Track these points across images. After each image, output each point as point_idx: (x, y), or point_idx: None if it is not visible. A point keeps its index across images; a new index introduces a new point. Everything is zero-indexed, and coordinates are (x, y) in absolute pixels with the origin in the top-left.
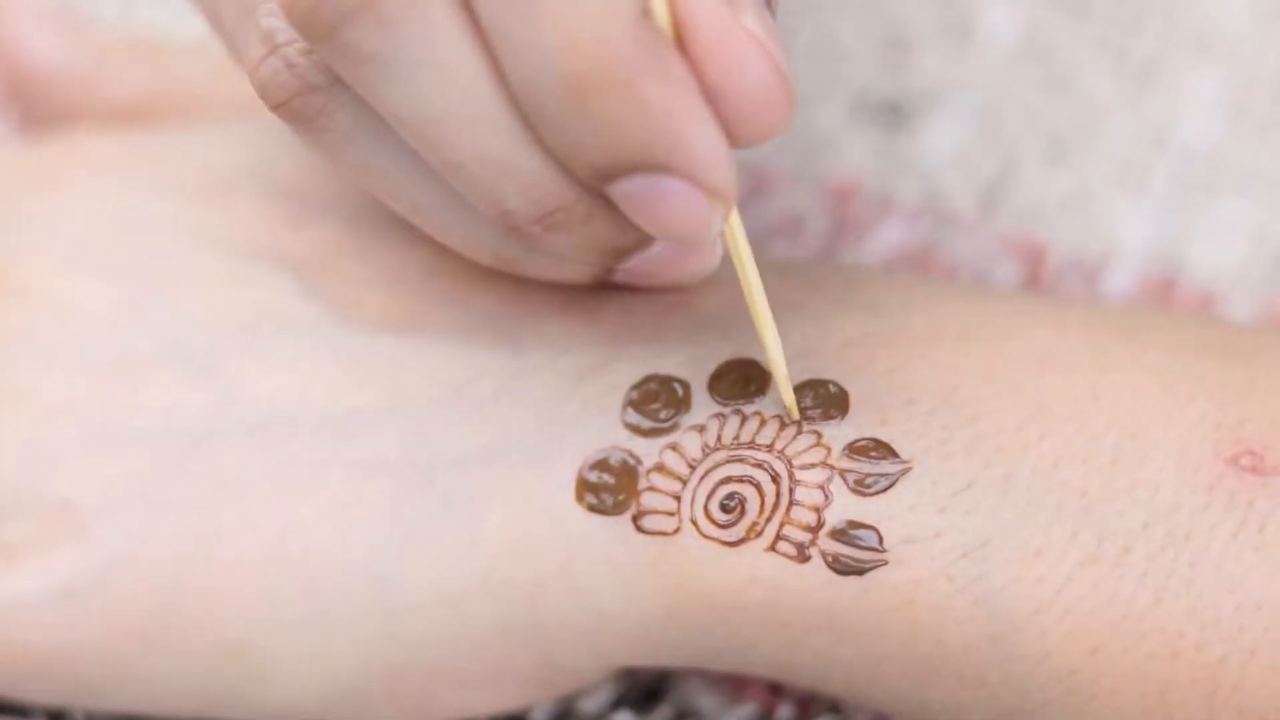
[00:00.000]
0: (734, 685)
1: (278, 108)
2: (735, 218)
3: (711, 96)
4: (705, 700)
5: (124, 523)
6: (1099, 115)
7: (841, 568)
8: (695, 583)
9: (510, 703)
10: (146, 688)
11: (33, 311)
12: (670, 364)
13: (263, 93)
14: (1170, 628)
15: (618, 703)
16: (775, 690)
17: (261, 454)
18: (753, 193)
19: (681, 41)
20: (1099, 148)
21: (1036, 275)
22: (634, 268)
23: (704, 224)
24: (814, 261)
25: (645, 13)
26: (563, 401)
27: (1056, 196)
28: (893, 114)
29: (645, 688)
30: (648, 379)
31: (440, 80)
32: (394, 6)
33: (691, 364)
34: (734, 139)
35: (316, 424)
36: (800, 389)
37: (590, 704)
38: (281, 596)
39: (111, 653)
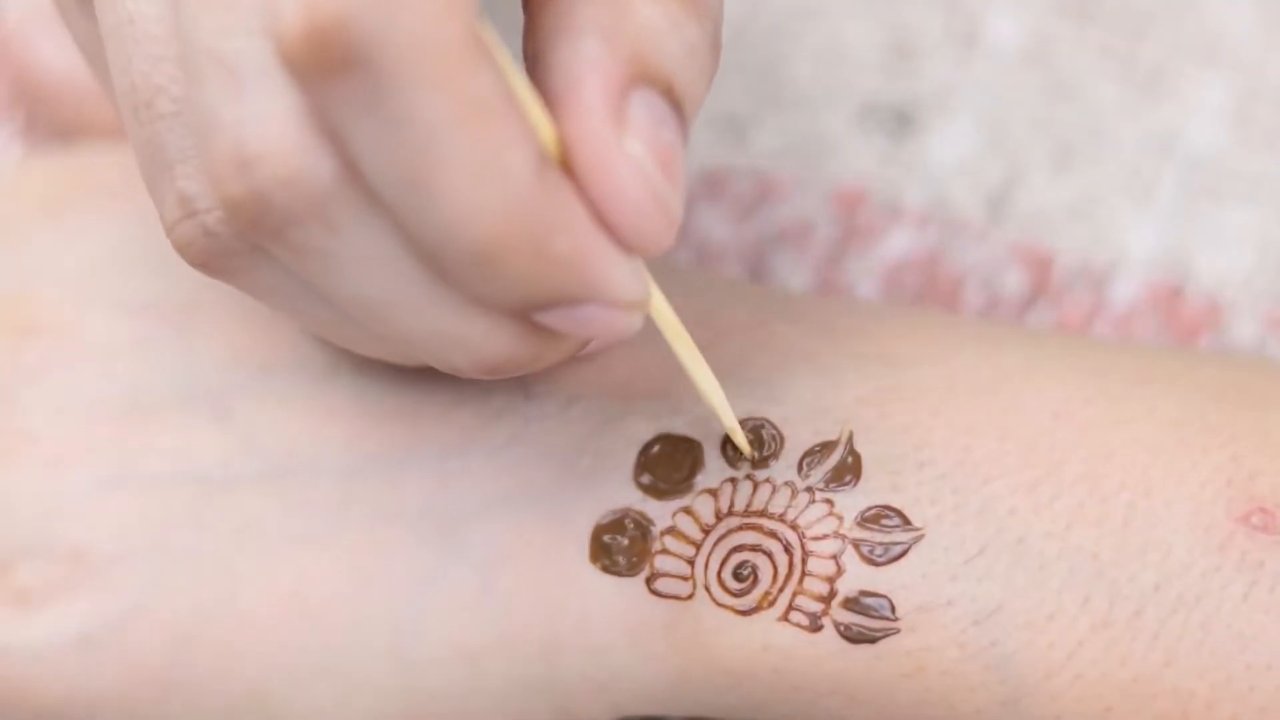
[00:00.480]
0: None
1: (197, 266)
2: (658, 297)
3: (598, 215)
4: None
5: (140, 571)
6: (1105, 123)
7: (854, 636)
8: (708, 648)
9: None
10: None
11: (44, 349)
12: (681, 423)
13: (180, 250)
14: (1182, 688)
15: None
16: None
17: (279, 502)
18: (760, 199)
19: (566, 165)
20: (1105, 155)
21: (1044, 283)
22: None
23: (625, 329)
24: (824, 302)
25: (542, 164)
26: (576, 455)
27: (1063, 204)
28: (899, 121)
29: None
30: (660, 438)
31: (379, 271)
32: (341, 212)
33: (702, 423)
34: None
35: (334, 471)
36: (813, 453)
37: None
38: (300, 647)
39: (128, 700)
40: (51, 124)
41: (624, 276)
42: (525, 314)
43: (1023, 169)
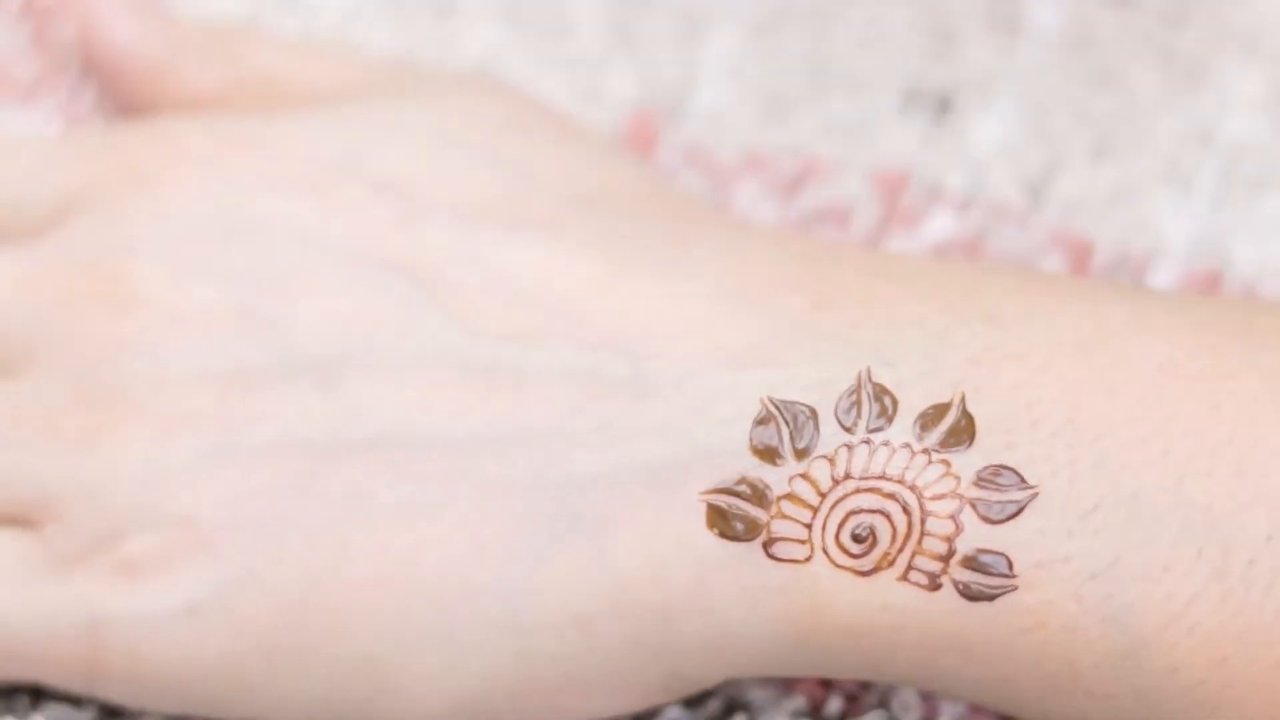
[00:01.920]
0: (784, 680)
1: None
2: None
3: None
4: (755, 694)
5: (249, 541)
6: (1145, 111)
7: (972, 594)
8: (826, 609)
9: (634, 708)
10: (273, 702)
11: (144, 321)
12: (795, 389)
13: None
14: None
15: None
16: (825, 684)
17: (389, 472)
18: (802, 178)
19: None
20: (1145, 144)
21: (1083, 270)
22: None
23: None
24: (927, 264)
25: None
26: (689, 425)
27: (1102, 192)
28: (941, 105)
29: None
30: (774, 405)
31: None
32: None
33: (817, 389)
34: None
35: (443, 442)
36: (928, 415)
37: None
38: (411, 615)
39: (238, 669)
40: (123, 97)
41: None
42: None
43: (1063, 156)
